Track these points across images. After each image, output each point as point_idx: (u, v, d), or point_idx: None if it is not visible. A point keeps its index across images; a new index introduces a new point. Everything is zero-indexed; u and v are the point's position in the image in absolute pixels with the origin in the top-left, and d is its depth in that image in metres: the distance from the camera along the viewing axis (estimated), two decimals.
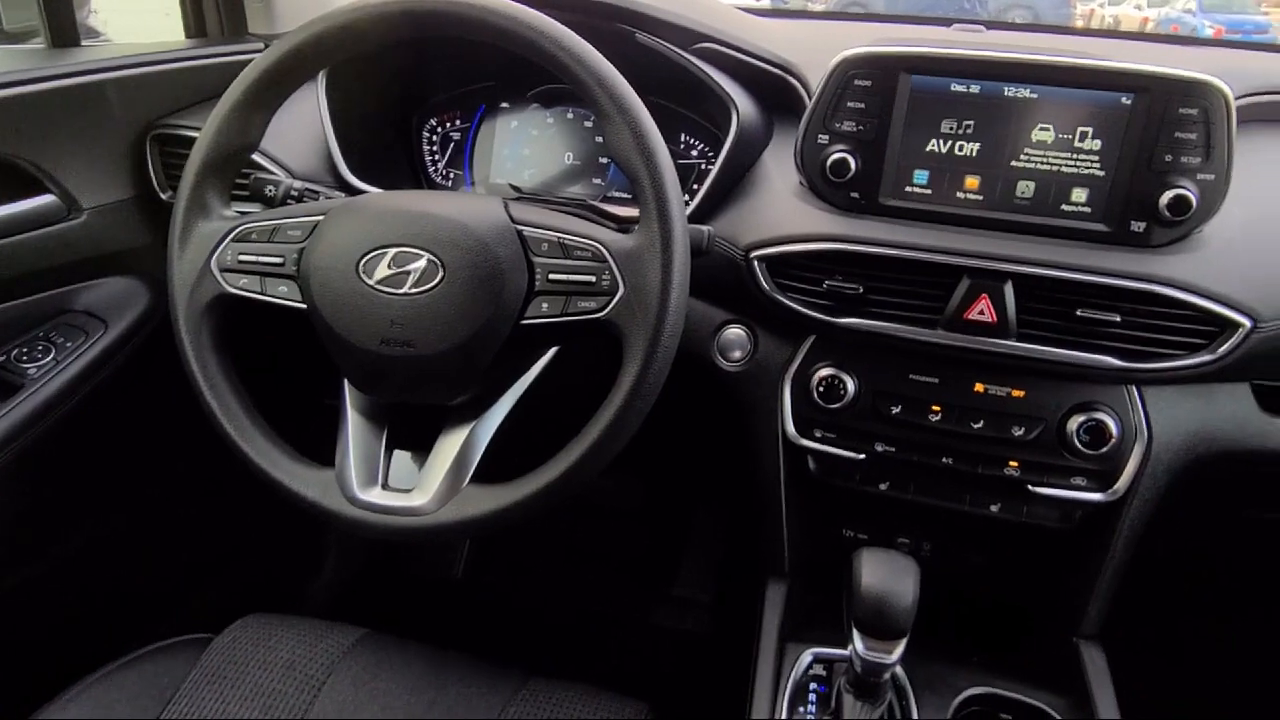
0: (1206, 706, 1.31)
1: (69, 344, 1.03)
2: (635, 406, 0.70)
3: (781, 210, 0.90)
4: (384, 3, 0.72)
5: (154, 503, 1.27)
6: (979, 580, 1.01)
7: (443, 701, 0.83)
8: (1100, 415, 0.83)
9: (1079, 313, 0.81)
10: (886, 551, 0.76)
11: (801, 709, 0.85)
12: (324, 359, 0.77)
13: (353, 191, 0.97)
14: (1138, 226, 0.81)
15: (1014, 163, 0.83)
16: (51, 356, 1.01)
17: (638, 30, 0.94)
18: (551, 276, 0.73)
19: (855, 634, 0.74)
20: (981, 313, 0.82)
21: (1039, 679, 0.87)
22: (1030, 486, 0.87)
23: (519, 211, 0.75)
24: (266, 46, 0.79)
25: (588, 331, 0.73)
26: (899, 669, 0.85)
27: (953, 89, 0.83)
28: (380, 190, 0.93)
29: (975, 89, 0.82)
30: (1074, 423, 0.84)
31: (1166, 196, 0.79)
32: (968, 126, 0.83)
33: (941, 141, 0.84)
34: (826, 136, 0.86)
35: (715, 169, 0.92)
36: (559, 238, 0.73)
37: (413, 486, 0.76)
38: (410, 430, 0.80)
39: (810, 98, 0.87)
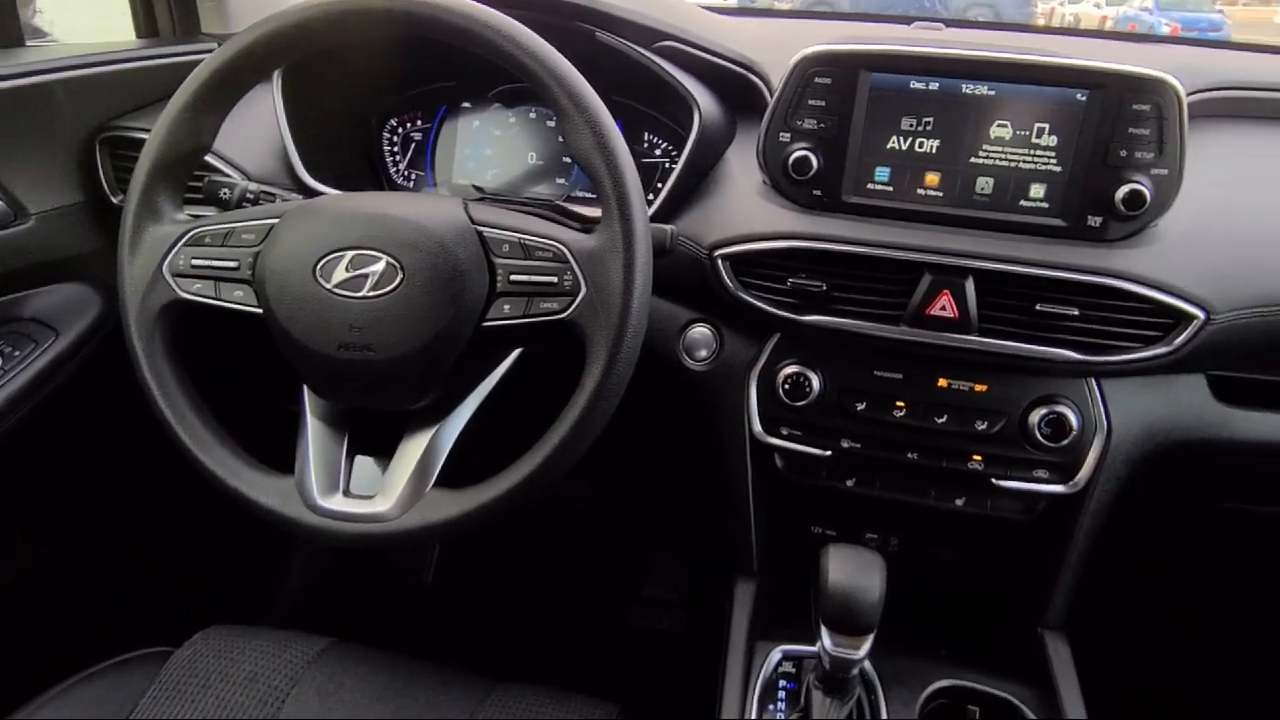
0: (1169, 694, 1.33)
1: (18, 353, 1.00)
2: (599, 408, 0.70)
3: (745, 209, 0.90)
4: (337, 2, 0.70)
5: (110, 514, 1.24)
6: (946, 574, 1.02)
7: (409, 709, 0.81)
8: (1061, 408, 0.85)
9: (1038, 307, 0.81)
10: (853, 548, 0.76)
11: (771, 707, 0.85)
12: (282, 364, 0.76)
13: (310, 193, 0.96)
14: (1094, 221, 0.82)
15: (973, 159, 0.83)
16: None
17: (598, 29, 0.93)
18: (513, 278, 0.72)
19: (823, 630, 0.75)
20: (943, 308, 0.83)
21: (1005, 670, 0.88)
22: (994, 480, 0.88)
23: (479, 212, 0.74)
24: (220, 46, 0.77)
25: (551, 333, 0.73)
26: (868, 664, 0.85)
27: (912, 86, 0.83)
28: (339, 192, 0.92)
29: (934, 86, 0.83)
30: (1035, 416, 0.85)
31: (1121, 191, 0.80)
32: (927, 124, 0.84)
33: (902, 139, 0.84)
34: (788, 135, 0.86)
35: (678, 168, 0.91)
36: (520, 238, 0.72)
37: (375, 493, 0.75)
38: (372, 435, 0.79)
39: (772, 96, 0.87)
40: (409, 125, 1.11)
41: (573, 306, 0.70)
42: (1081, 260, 0.81)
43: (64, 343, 1.03)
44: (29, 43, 1.11)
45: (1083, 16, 9.62)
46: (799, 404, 0.89)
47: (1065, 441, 0.85)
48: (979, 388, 0.86)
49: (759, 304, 0.87)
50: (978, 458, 0.88)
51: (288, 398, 0.81)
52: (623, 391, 0.71)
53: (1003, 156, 0.83)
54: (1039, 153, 0.82)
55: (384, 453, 0.77)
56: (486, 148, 1.10)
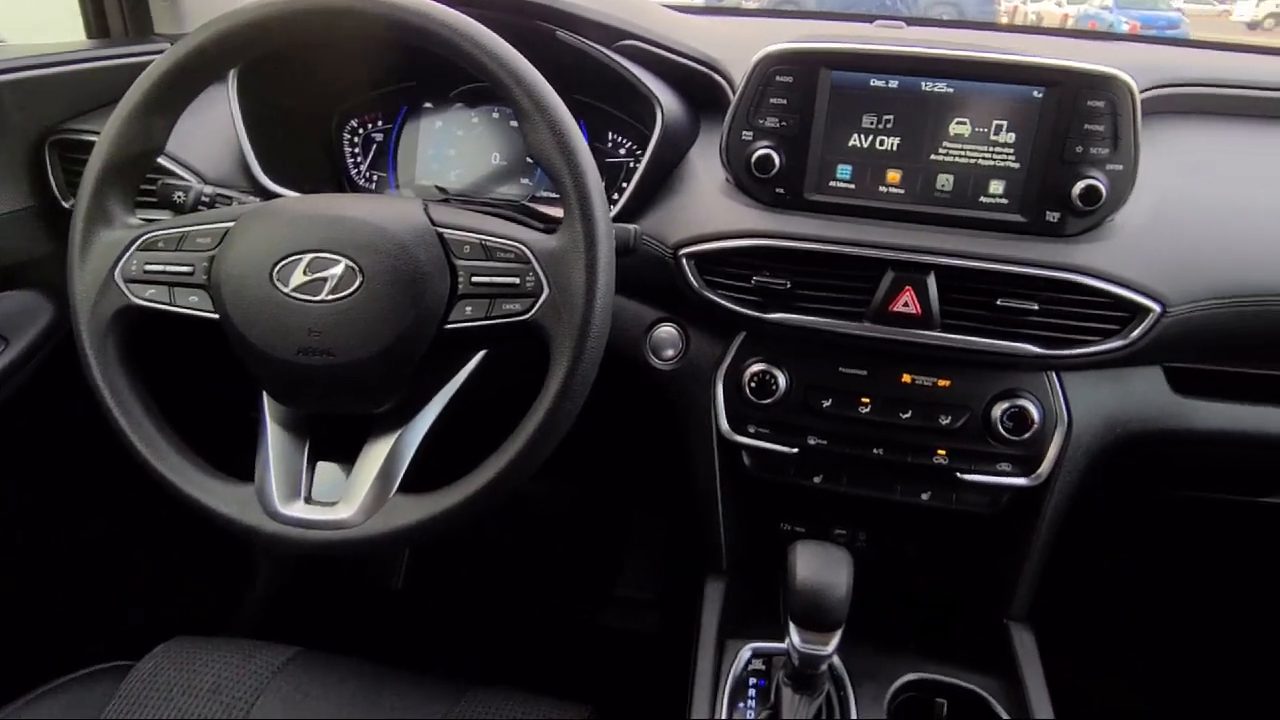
0: (1131, 681, 1.36)
1: None
2: (564, 409, 0.69)
3: (708, 207, 0.90)
4: (291, 1, 0.69)
5: (67, 526, 1.21)
6: (914, 568, 1.03)
7: (378, 717, 0.81)
8: (1023, 402, 0.86)
9: (999, 302, 0.82)
10: (820, 544, 0.76)
11: (741, 705, 0.85)
12: (241, 370, 0.74)
13: (269, 196, 0.94)
14: (1052, 217, 0.83)
15: (933, 156, 0.84)
16: None
17: (558, 28, 0.93)
18: (474, 279, 0.71)
19: (791, 627, 0.75)
20: (906, 305, 0.84)
21: (972, 662, 0.89)
22: (958, 474, 0.89)
23: (439, 214, 0.73)
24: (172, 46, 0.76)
25: (514, 334, 0.72)
26: (836, 659, 0.86)
27: (872, 84, 0.84)
28: (296, 194, 0.90)
29: (894, 84, 0.83)
30: (998, 410, 0.86)
31: (1078, 187, 0.81)
32: (888, 121, 0.84)
33: (863, 136, 0.85)
34: (750, 133, 0.86)
35: (641, 167, 0.91)
36: (481, 239, 0.72)
37: (337, 499, 0.74)
38: (334, 441, 0.78)
39: (734, 95, 0.87)
40: (370, 126, 1.10)
41: (535, 308, 0.70)
42: (1040, 255, 0.82)
43: (14, 352, 1.00)
44: None
45: (1044, 15, 9.76)
46: (765, 402, 0.89)
47: (1027, 435, 0.86)
48: (942, 383, 0.87)
49: (724, 303, 0.87)
50: (942, 452, 0.89)
51: (247, 404, 0.80)
52: (587, 392, 0.71)
53: (962, 153, 0.84)
54: (998, 149, 0.83)
55: (347, 458, 0.76)
56: (449, 148, 1.09)
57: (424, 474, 0.76)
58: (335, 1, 0.69)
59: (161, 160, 0.95)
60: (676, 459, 0.98)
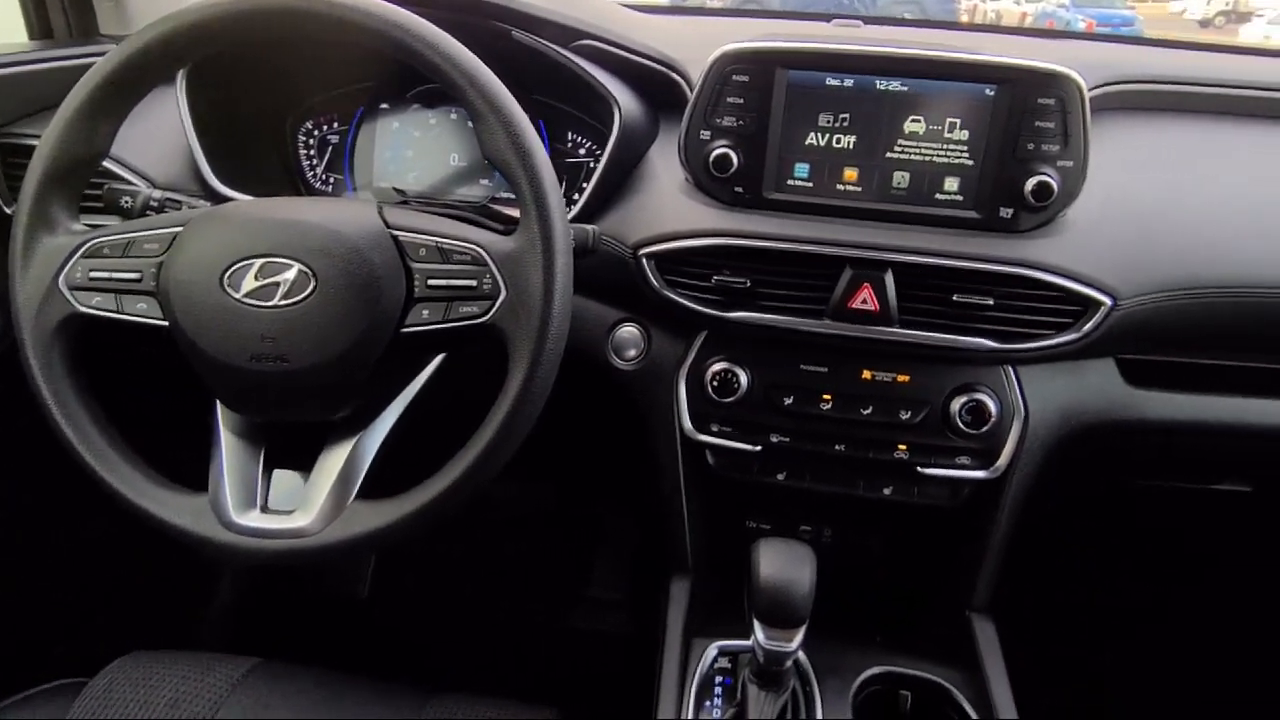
0: (1091, 669, 1.38)
1: None
2: (524, 411, 0.69)
3: (668, 207, 0.90)
4: (237, 1, 0.68)
5: (17, 539, 1.18)
6: (877, 562, 1.04)
7: None
8: (980, 395, 0.87)
9: (955, 298, 0.83)
10: (784, 541, 0.77)
11: (708, 704, 0.85)
12: (193, 378, 0.73)
13: (221, 200, 0.92)
14: (1006, 213, 0.84)
15: (889, 154, 0.85)
16: None
17: (513, 28, 0.92)
18: (431, 282, 0.71)
19: (756, 624, 0.75)
20: (864, 301, 0.84)
21: (935, 654, 0.90)
22: (919, 468, 0.90)
23: (394, 216, 0.72)
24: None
25: (472, 337, 0.72)
26: (802, 655, 0.86)
27: (827, 83, 0.84)
28: (248, 198, 0.89)
29: (849, 83, 0.84)
30: (956, 404, 0.87)
31: (1030, 183, 0.82)
32: (844, 120, 0.85)
33: (820, 135, 0.85)
34: (708, 132, 0.86)
35: (600, 167, 0.91)
36: (437, 242, 0.71)
37: (294, 507, 0.72)
38: (291, 448, 0.76)
39: (692, 94, 0.87)
40: (325, 128, 1.08)
41: (493, 310, 0.69)
42: (995, 251, 0.83)
43: None
44: None
45: (1003, 13, 9.91)
46: (728, 400, 0.89)
47: (985, 428, 0.87)
48: (901, 378, 0.88)
49: (685, 302, 0.88)
50: (903, 447, 0.89)
51: (200, 412, 0.78)
52: (547, 394, 0.70)
53: (917, 151, 0.84)
54: (951, 147, 0.84)
55: (304, 466, 0.75)
56: (407, 149, 1.08)
57: (384, 480, 0.75)
58: (282, 2, 0.68)
59: (108, 164, 0.93)
60: (641, 459, 0.98)
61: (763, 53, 0.83)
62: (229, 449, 0.75)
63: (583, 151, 1.04)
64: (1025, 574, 1.01)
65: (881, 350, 0.87)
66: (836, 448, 0.90)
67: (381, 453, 0.76)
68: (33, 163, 0.72)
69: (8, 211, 1.00)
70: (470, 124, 1.04)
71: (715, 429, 0.91)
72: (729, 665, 0.88)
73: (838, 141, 0.85)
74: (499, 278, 0.70)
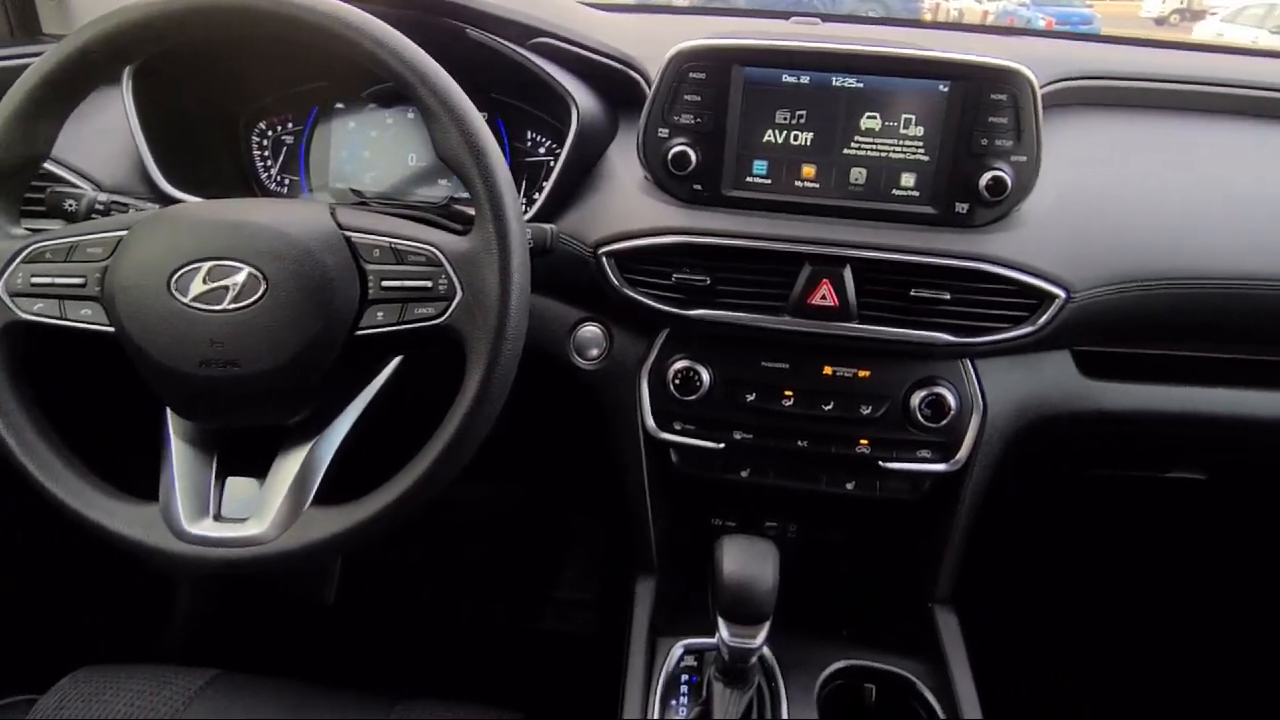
0: (1052, 657, 1.41)
1: None
2: (482, 413, 0.68)
3: (627, 205, 0.89)
4: None
5: None
6: (843, 557, 1.04)
7: None
8: (940, 389, 0.87)
9: (913, 292, 0.84)
10: (747, 538, 0.77)
11: (674, 703, 0.85)
12: (141, 385, 0.71)
13: (170, 202, 0.90)
14: (961, 208, 0.85)
15: (846, 150, 0.85)
16: None
17: (467, 26, 0.91)
18: (385, 283, 0.70)
19: (720, 622, 0.75)
20: (824, 297, 0.85)
21: (899, 646, 0.91)
22: (881, 462, 0.90)
23: (347, 217, 0.71)
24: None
25: (428, 339, 0.71)
26: (767, 651, 0.86)
27: (784, 80, 0.84)
28: (197, 200, 0.87)
29: (805, 80, 0.84)
30: (916, 398, 0.88)
31: (985, 178, 0.83)
32: (801, 116, 0.85)
33: (777, 132, 0.86)
34: (666, 130, 0.86)
35: (558, 166, 0.90)
36: (390, 243, 0.70)
37: (249, 515, 0.71)
38: (244, 455, 0.75)
39: (650, 92, 0.87)
40: (279, 128, 1.06)
41: (449, 311, 0.69)
42: (951, 246, 0.84)
43: None
44: None
45: (965, 12, 10.05)
46: (690, 398, 0.89)
47: (945, 421, 0.88)
48: (862, 373, 0.89)
49: (645, 300, 0.87)
50: (864, 441, 0.90)
51: (149, 420, 0.76)
52: (505, 395, 0.70)
53: (874, 147, 0.85)
54: (907, 143, 0.84)
55: (259, 472, 0.74)
56: (364, 149, 1.06)
57: (342, 484, 0.74)
58: (228, 0, 0.66)
59: (52, 167, 0.91)
60: (604, 458, 0.98)
61: (718, 50, 0.83)
62: (180, 457, 0.73)
63: (542, 150, 1.03)
64: (986, 565, 1.03)
65: (842, 346, 0.87)
66: (799, 444, 0.91)
67: (338, 457, 0.75)
68: None
69: None
70: None
71: (678, 427, 0.91)
72: (695, 663, 0.88)
73: (795, 138, 0.86)
74: (454, 278, 0.69)
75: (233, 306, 0.67)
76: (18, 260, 0.70)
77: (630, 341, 0.93)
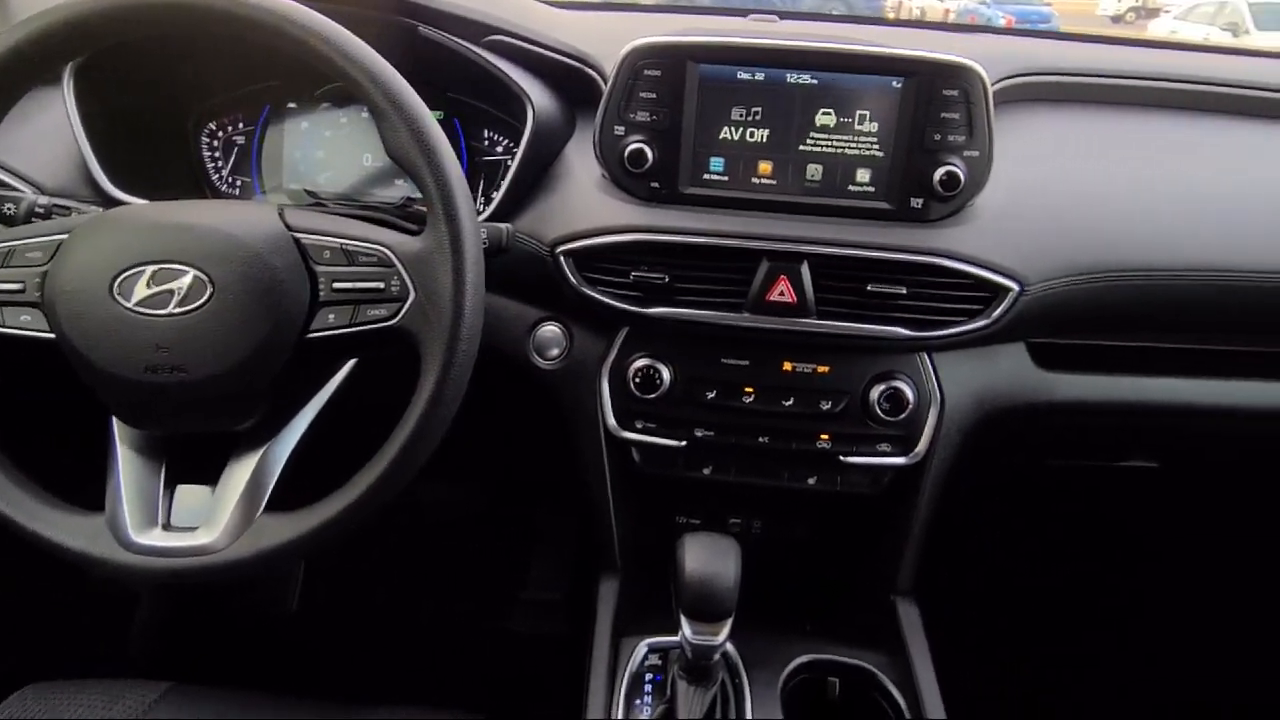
0: (1012, 648, 1.42)
1: None
2: (437, 415, 0.68)
3: (585, 203, 0.89)
4: None
5: None
6: (805, 552, 1.05)
7: None
8: (898, 383, 0.88)
9: (870, 288, 0.84)
10: (708, 535, 0.77)
11: (638, 702, 0.85)
12: (86, 392, 0.69)
13: (115, 205, 0.88)
14: (916, 203, 0.86)
15: (802, 147, 0.86)
16: None
17: (420, 24, 0.90)
18: (336, 285, 0.69)
19: (683, 620, 0.75)
20: (782, 294, 0.85)
21: (862, 639, 0.92)
22: (841, 457, 0.91)
23: (296, 218, 0.70)
24: None
25: (381, 341, 0.70)
26: (731, 647, 0.86)
27: (739, 77, 0.84)
28: (142, 202, 0.85)
29: (760, 76, 0.84)
30: (875, 392, 0.88)
31: (938, 173, 0.83)
32: (756, 113, 0.85)
33: (733, 129, 0.86)
34: (623, 128, 0.86)
35: (514, 165, 0.89)
36: (341, 244, 0.69)
37: (199, 524, 0.70)
38: (194, 462, 0.73)
39: (605, 89, 0.86)
40: (230, 128, 1.04)
41: (402, 312, 0.68)
42: (906, 241, 0.84)
43: None
44: None
45: (927, 10, 10.17)
46: (651, 396, 0.89)
47: (904, 415, 0.88)
48: (821, 369, 0.89)
49: (604, 299, 0.87)
50: (825, 437, 0.90)
51: (94, 427, 0.74)
52: (461, 396, 0.69)
53: (829, 144, 0.85)
54: (862, 139, 0.85)
55: (210, 479, 0.72)
56: (318, 150, 1.05)
57: (298, 490, 0.73)
58: None
59: None
60: (567, 458, 0.97)
61: (672, 47, 0.83)
62: (126, 465, 0.71)
63: (499, 150, 1.03)
64: (946, 557, 1.04)
65: (801, 342, 0.88)
66: (760, 440, 0.91)
67: (292, 463, 0.73)
68: None
69: None
70: None
71: (639, 426, 0.91)
72: (659, 662, 0.88)
73: (751, 135, 0.86)
74: (407, 279, 0.68)
75: (178, 311, 0.65)
76: None
77: (590, 341, 0.92)
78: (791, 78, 0.84)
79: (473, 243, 0.68)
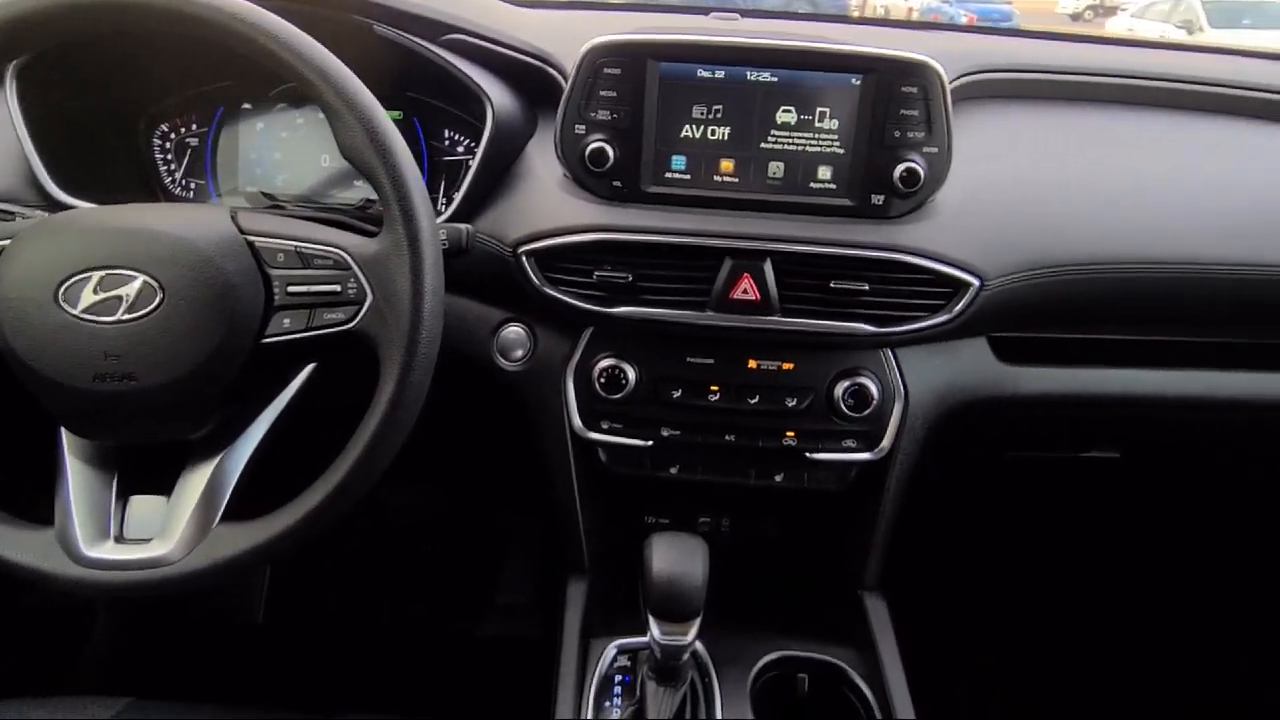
0: (978, 640, 1.44)
1: None
2: (397, 419, 0.67)
3: (547, 203, 0.88)
4: None
5: None
6: (775, 549, 1.05)
7: None
8: (862, 379, 0.89)
9: (832, 284, 0.85)
10: (675, 535, 0.77)
11: (607, 704, 0.84)
12: (32, 402, 0.67)
13: (62, 209, 0.86)
14: (877, 199, 0.86)
15: (763, 144, 0.85)
16: None
17: (374, 22, 0.88)
18: (291, 289, 0.68)
19: (651, 620, 0.75)
20: (745, 292, 0.85)
21: (830, 635, 0.92)
22: (807, 454, 0.91)
23: (249, 221, 0.69)
24: None
25: (340, 345, 0.69)
26: (700, 646, 0.86)
27: (699, 75, 0.84)
28: (89, 206, 0.83)
29: (720, 74, 0.84)
30: (840, 389, 0.89)
31: (898, 170, 0.84)
32: (717, 111, 0.85)
33: (695, 127, 0.85)
34: (583, 126, 0.85)
35: (474, 165, 0.88)
36: (296, 246, 0.68)
37: (153, 535, 0.68)
38: (148, 472, 0.72)
39: (566, 88, 0.85)
40: (183, 129, 1.02)
41: (359, 316, 0.67)
42: (868, 237, 0.85)
43: None
44: None
45: (892, 9, 10.28)
46: (616, 396, 0.89)
47: (868, 411, 0.89)
48: (786, 366, 0.89)
49: (567, 299, 0.86)
50: (791, 434, 0.91)
51: (43, 439, 0.72)
52: (422, 399, 0.68)
53: (790, 141, 0.85)
54: (823, 136, 0.85)
55: (164, 489, 0.71)
56: (274, 151, 1.03)
57: (257, 498, 0.71)
58: None
59: None
60: (533, 459, 0.97)
61: (632, 45, 0.83)
62: (76, 476, 0.70)
63: (460, 149, 1.01)
64: (912, 551, 1.04)
65: (765, 339, 0.88)
66: (727, 438, 0.91)
67: (250, 470, 0.72)
68: None
69: None
70: None
71: (605, 426, 0.91)
72: (629, 663, 0.88)
73: (713, 133, 0.86)
74: (364, 282, 0.67)
75: (127, 317, 0.64)
76: None
77: (555, 341, 0.92)
78: (752, 75, 0.84)
79: (431, 243, 0.67)
